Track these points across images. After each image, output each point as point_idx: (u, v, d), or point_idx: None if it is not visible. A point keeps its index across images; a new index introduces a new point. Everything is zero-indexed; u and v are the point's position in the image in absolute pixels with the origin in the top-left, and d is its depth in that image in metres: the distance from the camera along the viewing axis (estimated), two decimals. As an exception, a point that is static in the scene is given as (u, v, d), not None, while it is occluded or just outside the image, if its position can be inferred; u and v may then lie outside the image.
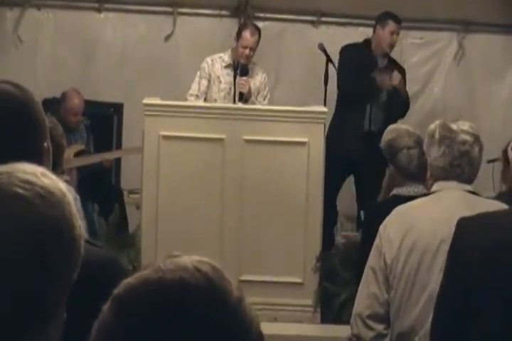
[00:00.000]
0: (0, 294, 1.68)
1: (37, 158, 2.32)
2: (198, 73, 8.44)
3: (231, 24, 9.50)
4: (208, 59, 8.46)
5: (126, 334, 1.42)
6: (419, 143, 4.85)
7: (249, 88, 8.23)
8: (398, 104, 8.50)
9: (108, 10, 9.68)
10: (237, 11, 9.66)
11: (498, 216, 3.57)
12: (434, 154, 4.09)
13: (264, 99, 8.37)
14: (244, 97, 8.17)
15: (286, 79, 9.56)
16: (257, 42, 8.35)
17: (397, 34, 8.53)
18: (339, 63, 8.31)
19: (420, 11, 9.42)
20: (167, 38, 9.69)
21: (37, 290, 1.70)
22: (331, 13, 9.51)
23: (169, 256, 1.47)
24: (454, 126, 4.10)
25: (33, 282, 1.69)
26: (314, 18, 9.65)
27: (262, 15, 9.70)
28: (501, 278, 3.39)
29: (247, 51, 8.28)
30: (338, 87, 8.30)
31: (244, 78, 8.22)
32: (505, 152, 4.75)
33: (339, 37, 9.02)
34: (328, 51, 8.60)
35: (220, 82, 8.40)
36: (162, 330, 1.39)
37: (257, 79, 8.43)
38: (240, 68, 8.28)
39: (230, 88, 8.32)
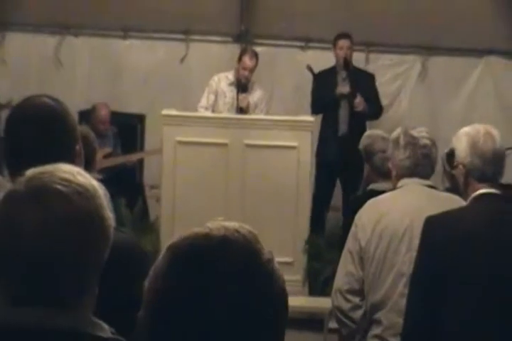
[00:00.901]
0: (48, 274, 1.69)
1: (71, 159, 2.33)
2: (207, 89, 8.44)
3: (234, 49, 9.48)
4: (216, 77, 8.46)
5: (177, 276, 1.43)
6: None
7: (248, 103, 8.23)
8: (369, 110, 8.58)
9: (132, 37, 9.66)
10: (240, 38, 9.64)
11: (461, 213, 3.54)
12: (400, 156, 4.08)
13: (262, 112, 8.36)
14: (243, 110, 8.19)
15: (280, 94, 9.54)
16: (255, 65, 8.34)
17: (349, 48, 8.59)
18: (312, 86, 8.58)
19: (390, 38, 9.40)
20: (181, 60, 9.65)
21: (76, 270, 1.71)
22: (316, 40, 9.48)
23: (216, 219, 1.49)
24: (414, 133, 4.11)
25: (73, 264, 1.70)
26: (303, 44, 9.61)
27: (259, 41, 9.66)
28: (466, 267, 3.40)
29: (246, 72, 8.29)
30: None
31: (244, 95, 8.23)
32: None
33: (323, 59, 8.99)
34: (314, 71, 8.66)
35: (225, 97, 8.39)
36: (205, 275, 1.41)
37: (256, 96, 8.43)
38: (239, 87, 8.30)
39: (233, 102, 8.32)
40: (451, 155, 3.60)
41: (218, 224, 1.48)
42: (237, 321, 1.40)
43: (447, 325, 3.37)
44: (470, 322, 3.36)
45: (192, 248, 1.44)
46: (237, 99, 8.21)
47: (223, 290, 1.40)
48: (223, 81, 8.42)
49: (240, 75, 8.29)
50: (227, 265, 1.41)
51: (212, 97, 8.39)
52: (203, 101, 8.39)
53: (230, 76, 8.40)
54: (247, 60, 8.29)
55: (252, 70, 8.31)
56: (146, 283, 1.47)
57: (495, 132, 3.60)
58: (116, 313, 1.82)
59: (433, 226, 3.48)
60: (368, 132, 5.67)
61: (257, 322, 1.42)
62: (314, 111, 8.41)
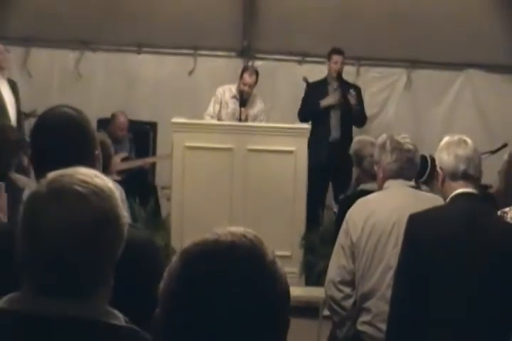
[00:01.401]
0: (67, 266, 1.69)
1: (91, 162, 2.34)
2: (213, 99, 8.44)
3: (238, 63, 9.49)
4: (221, 89, 8.46)
5: (189, 279, 1.42)
6: None
7: (246, 116, 8.23)
8: (355, 116, 8.58)
9: (145, 52, 9.64)
10: (243, 53, 9.64)
11: (440, 211, 3.55)
12: (387, 160, 4.08)
13: (261, 122, 8.34)
14: (242, 121, 8.19)
15: (279, 103, 9.53)
16: (255, 81, 8.35)
17: (341, 63, 8.65)
18: (303, 95, 8.65)
19: (379, 53, 9.41)
20: (190, 73, 9.65)
21: (93, 263, 1.71)
22: (312, 55, 9.48)
23: (224, 226, 1.50)
24: (399, 139, 4.12)
25: (90, 257, 1.70)
26: (300, 58, 9.62)
27: (260, 55, 9.66)
28: (446, 261, 3.40)
29: (246, 88, 8.30)
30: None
31: (243, 109, 8.25)
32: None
33: (318, 72, 9.00)
34: (309, 82, 8.67)
35: (227, 107, 8.40)
36: (215, 278, 1.40)
37: (256, 108, 8.41)
38: (241, 100, 8.30)
39: (234, 113, 8.33)
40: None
41: (226, 230, 1.47)
42: (243, 321, 1.39)
43: (430, 314, 3.38)
44: (449, 313, 3.36)
45: (202, 253, 1.43)
46: (240, 111, 8.22)
47: (232, 291, 1.39)
48: (227, 92, 8.42)
49: (240, 90, 8.31)
50: (235, 268, 1.41)
51: (217, 107, 8.41)
52: (210, 110, 8.41)
53: (233, 89, 8.41)
54: (247, 77, 8.31)
55: (251, 86, 8.32)
56: (161, 285, 1.46)
57: (469, 140, 3.62)
58: (131, 304, 1.82)
59: (415, 223, 3.49)
60: (357, 138, 5.66)
61: (261, 321, 1.41)
62: (300, 119, 8.44)
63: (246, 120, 8.19)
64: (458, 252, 3.39)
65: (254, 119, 8.29)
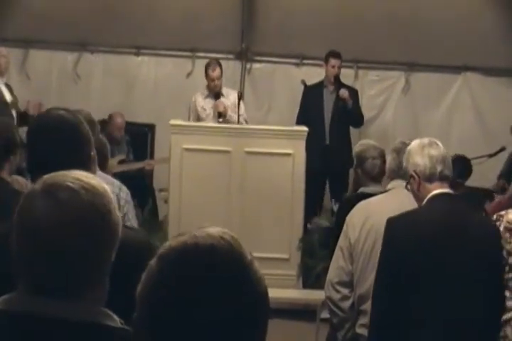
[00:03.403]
0: (60, 263, 1.68)
1: (87, 163, 2.35)
2: (188, 111, 8.44)
3: (235, 65, 9.50)
4: (192, 98, 8.43)
5: (168, 284, 1.40)
6: (381, 155, 4.85)
7: (225, 107, 8.19)
8: (350, 118, 8.58)
9: (144, 54, 9.66)
10: (240, 55, 9.64)
11: (417, 213, 3.56)
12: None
13: (241, 110, 8.20)
14: (222, 115, 8.16)
15: (277, 106, 9.54)
16: (221, 73, 8.32)
17: (338, 66, 8.67)
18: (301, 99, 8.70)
19: (377, 56, 9.41)
20: (188, 75, 9.66)
21: (86, 261, 1.69)
22: (310, 57, 9.49)
23: (200, 227, 1.47)
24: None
25: (83, 255, 1.69)
26: (298, 61, 9.62)
27: (258, 58, 9.67)
28: (423, 263, 3.41)
29: (215, 82, 8.29)
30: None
31: (218, 101, 8.23)
32: None
33: (316, 75, 9.01)
34: (306, 85, 8.67)
35: (205, 110, 8.37)
36: (195, 282, 1.39)
37: (231, 98, 8.33)
38: (214, 95, 8.29)
39: (214, 111, 8.31)
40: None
41: (203, 232, 1.44)
42: (224, 324, 1.38)
43: (411, 312, 3.40)
44: (430, 312, 3.38)
45: (182, 257, 1.41)
46: (216, 104, 8.21)
47: (212, 296, 1.38)
48: (199, 98, 8.43)
49: (211, 87, 8.31)
50: (214, 270, 1.39)
51: (192, 116, 8.41)
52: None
53: (204, 91, 8.43)
54: (211, 72, 8.30)
55: (218, 78, 8.30)
56: (139, 289, 1.44)
57: (439, 142, 3.64)
58: (126, 307, 1.80)
59: (392, 226, 3.52)
60: (361, 141, 5.68)
61: (242, 323, 1.40)
62: (297, 121, 8.45)
63: (225, 111, 8.13)
64: (437, 252, 3.42)
65: (234, 108, 8.19)
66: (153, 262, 1.45)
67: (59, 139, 2.41)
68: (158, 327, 1.39)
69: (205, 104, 8.38)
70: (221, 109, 8.14)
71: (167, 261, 1.42)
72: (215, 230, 1.45)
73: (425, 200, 3.54)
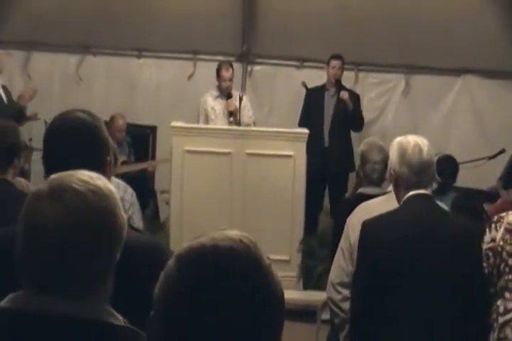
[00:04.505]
0: (65, 263, 1.68)
1: (102, 168, 2.31)
2: (199, 111, 8.48)
3: (237, 67, 9.46)
4: (202, 99, 8.48)
5: (186, 284, 1.40)
6: (384, 160, 4.66)
7: (235, 106, 8.22)
8: (350, 121, 8.58)
9: (145, 56, 9.67)
10: (241, 58, 9.65)
11: (392, 215, 3.56)
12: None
13: (249, 112, 8.31)
14: (233, 114, 8.19)
15: (278, 108, 9.55)
16: (232, 74, 8.41)
17: (340, 68, 8.68)
18: (303, 101, 8.71)
19: (378, 59, 9.42)
20: (189, 77, 9.66)
21: (91, 261, 1.70)
22: (311, 60, 9.50)
23: (218, 229, 1.46)
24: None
25: (87, 255, 1.69)
26: (298, 63, 9.63)
27: (259, 60, 9.68)
28: (398, 263, 3.42)
29: (227, 83, 8.33)
30: None
31: (229, 100, 8.26)
32: None
33: (317, 77, 9.02)
34: (308, 88, 8.68)
35: (215, 110, 8.40)
36: (214, 284, 1.39)
37: (238, 100, 8.38)
38: (226, 95, 8.33)
39: (224, 111, 8.34)
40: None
41: (222, 234, 1.45)
42: (242, 325, 1.38)
43: (387, 312, 3.41)
44: (405, 310, 3.39)
45: (201, 258, 1.41)
46: (227, 103, 8.24)
47: (231, 297, 1.38)
48: (209, 98, 8.45)
49: (222, 87, 8.33)
50: (233, 272, 1.40)
51: (202, 118, 8.44)
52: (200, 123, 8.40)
53: (214, 92, 8.45)
54: (225, 73, 8.36)
55: (231, 79, 8.38)
56: (157, 289, 1.44)
57: (425, 143, 3.55)
58: (133, 307, 1.80)
59: (367, 228, 3.53)
60: (368, 139, 5.51)
61: (259, 325, 1.40)
62: (299, 124, 8.46)
63: (236, 111, 8.16)
64: (414, 252, 3.42)
65: (243, 109, 8.24)
66: (171, 262, 1.44)
67: (77, 142, 2.38)
68: (175, 328, 1.39)
69: (215, 104, 8.40)
70: (232, 109, 8.18)
71: (185, 262, 1.42)
72: (234, 233, 1.45)
73: (402, 201, 3.54)
